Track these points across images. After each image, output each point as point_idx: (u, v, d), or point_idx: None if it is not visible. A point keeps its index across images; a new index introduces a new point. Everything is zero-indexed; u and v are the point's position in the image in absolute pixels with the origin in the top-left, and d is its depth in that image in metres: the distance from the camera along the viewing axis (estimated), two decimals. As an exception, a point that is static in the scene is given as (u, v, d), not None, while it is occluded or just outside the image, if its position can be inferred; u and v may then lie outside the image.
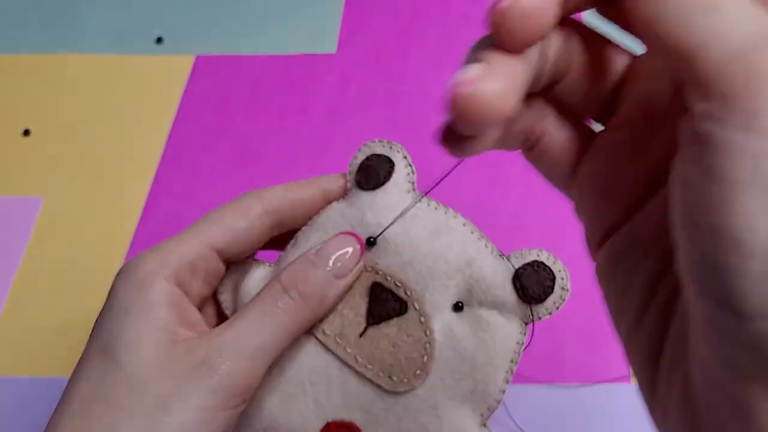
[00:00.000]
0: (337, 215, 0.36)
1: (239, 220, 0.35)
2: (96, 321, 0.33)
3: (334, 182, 0.37)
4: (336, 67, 0.59)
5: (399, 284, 0.35)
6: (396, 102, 0.57)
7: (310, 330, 0.34)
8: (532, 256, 0.35)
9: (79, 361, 0.32)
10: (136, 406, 0.29)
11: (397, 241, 0.35)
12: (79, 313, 0.48)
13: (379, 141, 0.37)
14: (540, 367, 0.44)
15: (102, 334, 0.32)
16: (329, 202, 0.37)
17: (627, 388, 0.43)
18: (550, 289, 0.35)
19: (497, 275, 0.35)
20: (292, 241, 0.37)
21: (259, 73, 0.59)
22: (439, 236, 0.35)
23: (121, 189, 0.54)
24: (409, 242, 0.35)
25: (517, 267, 0.35)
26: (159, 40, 0.62)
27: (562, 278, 0.35)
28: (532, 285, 0.35)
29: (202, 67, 0.60)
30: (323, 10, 0.62)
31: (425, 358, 0.34)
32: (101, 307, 0.48)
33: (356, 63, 0.59)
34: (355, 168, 0.37)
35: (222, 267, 0.36)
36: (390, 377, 0.34)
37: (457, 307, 0.35)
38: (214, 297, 0.37)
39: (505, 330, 0.35)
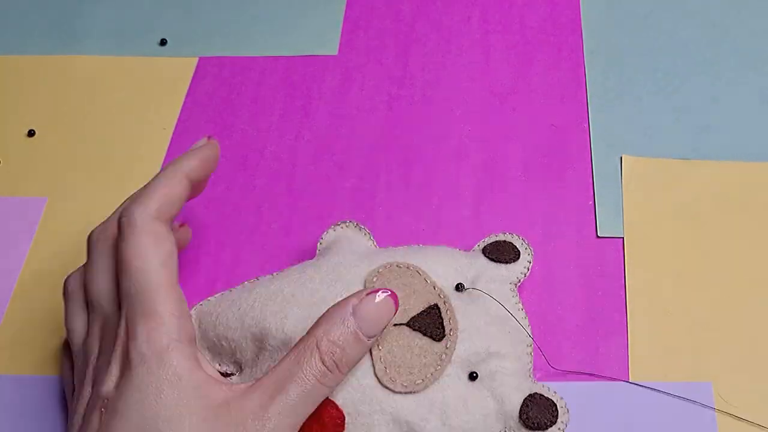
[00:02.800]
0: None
1: (175, 189, 0.40)
2: (117, 402, 0.34)
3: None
4: (337, 69, 0.59)
5: (451, 321, 0.38)
6: (397, 103, 0.57)
7: None
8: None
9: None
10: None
11: (472, 296, 0.40)
12: (82, 312, 0.48)
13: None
14: (538, 366, 0.44)
15: (133, 416, 0.33)
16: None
17: (626, 387, 0.43)
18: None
19: (515, 393, 0.38)
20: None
21: (262, 75, 0.60)
22: (497, 323, 0.40)
23: (125, 189, 0.54)
24: (476, 307, 0.40)
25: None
26: (163, 42, 0.62)
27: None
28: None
29: (205, 68, 0.60)
30: (325, 12, 0.63)
31: (423, 380, 0.37)
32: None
33: (358, 65, 0.60)
34: (490, 249, 0.45)
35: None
36: (392, 379, 0.37)
37: (472, 377, 0.38)
38: None
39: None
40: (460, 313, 0.39)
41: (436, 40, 0.60)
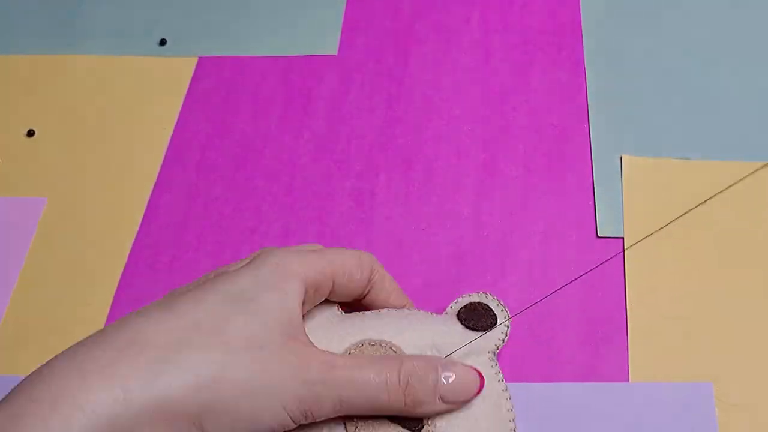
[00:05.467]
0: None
1: (357, 270, 0.38)
2: (223, 275, 0.35)
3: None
4: (337, 69, 0.59)
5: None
6: (397, 103, 0.57)
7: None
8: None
9: (193, 290, 0.34)
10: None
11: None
12: (82, 312, 0.48)
13: (490, 297, 0.42)
14: (539, 367, 0.44)
15: (231, 288, 0.34)
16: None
17: (627, 388, 0.43)
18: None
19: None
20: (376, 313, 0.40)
21: (261, 74, 0.60)
22: (479, 403, 0.37)
23: (124, 189, 0.54)
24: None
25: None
26: (162, 41, 0.62)
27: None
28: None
29: (204, 68, 0.60)
30: (325, 12, 0.63)
31: None
32: (106, 306, 0.48)
33: (357, 64, 0.59)
34: (462, 312, 0.41)
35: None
36: None
37: None
38: None
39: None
40: None
41: (436, 40, 0.60)
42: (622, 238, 0.48)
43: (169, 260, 0.50)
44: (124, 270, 0.50)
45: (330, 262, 0.36)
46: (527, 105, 0.56)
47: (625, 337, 0.45)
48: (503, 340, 0.40)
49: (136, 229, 0.52)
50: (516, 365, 0.44)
